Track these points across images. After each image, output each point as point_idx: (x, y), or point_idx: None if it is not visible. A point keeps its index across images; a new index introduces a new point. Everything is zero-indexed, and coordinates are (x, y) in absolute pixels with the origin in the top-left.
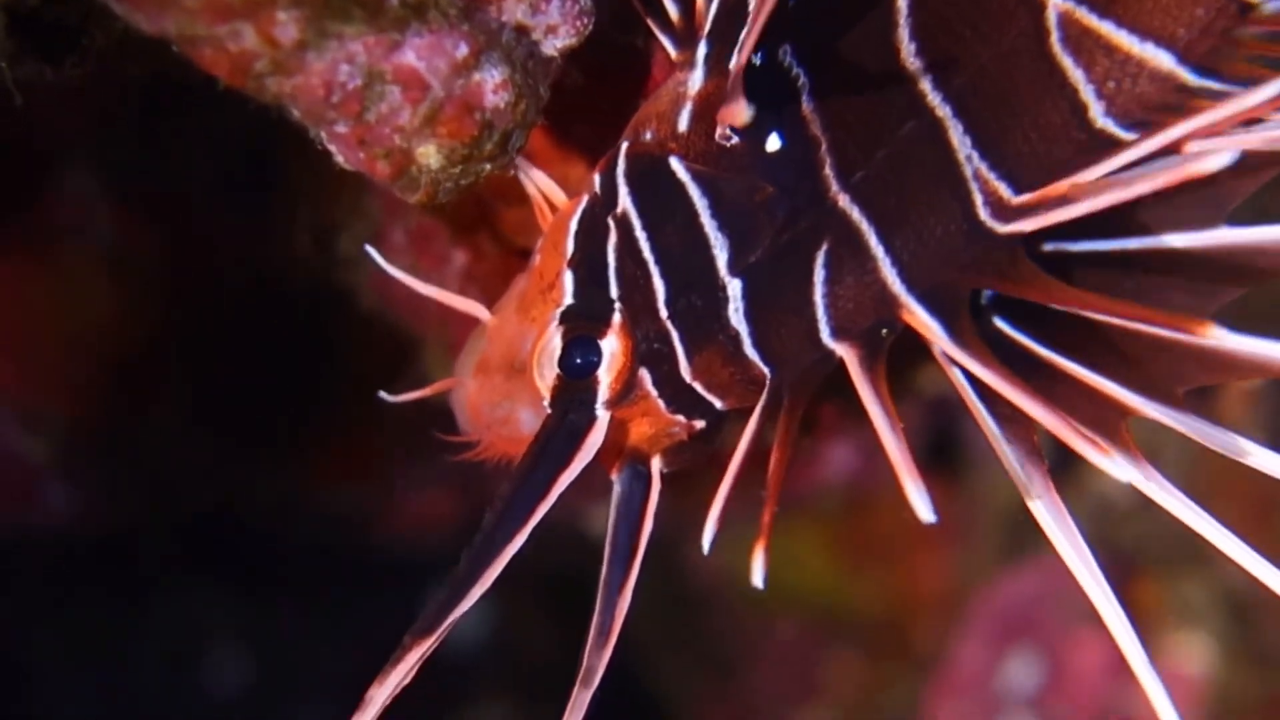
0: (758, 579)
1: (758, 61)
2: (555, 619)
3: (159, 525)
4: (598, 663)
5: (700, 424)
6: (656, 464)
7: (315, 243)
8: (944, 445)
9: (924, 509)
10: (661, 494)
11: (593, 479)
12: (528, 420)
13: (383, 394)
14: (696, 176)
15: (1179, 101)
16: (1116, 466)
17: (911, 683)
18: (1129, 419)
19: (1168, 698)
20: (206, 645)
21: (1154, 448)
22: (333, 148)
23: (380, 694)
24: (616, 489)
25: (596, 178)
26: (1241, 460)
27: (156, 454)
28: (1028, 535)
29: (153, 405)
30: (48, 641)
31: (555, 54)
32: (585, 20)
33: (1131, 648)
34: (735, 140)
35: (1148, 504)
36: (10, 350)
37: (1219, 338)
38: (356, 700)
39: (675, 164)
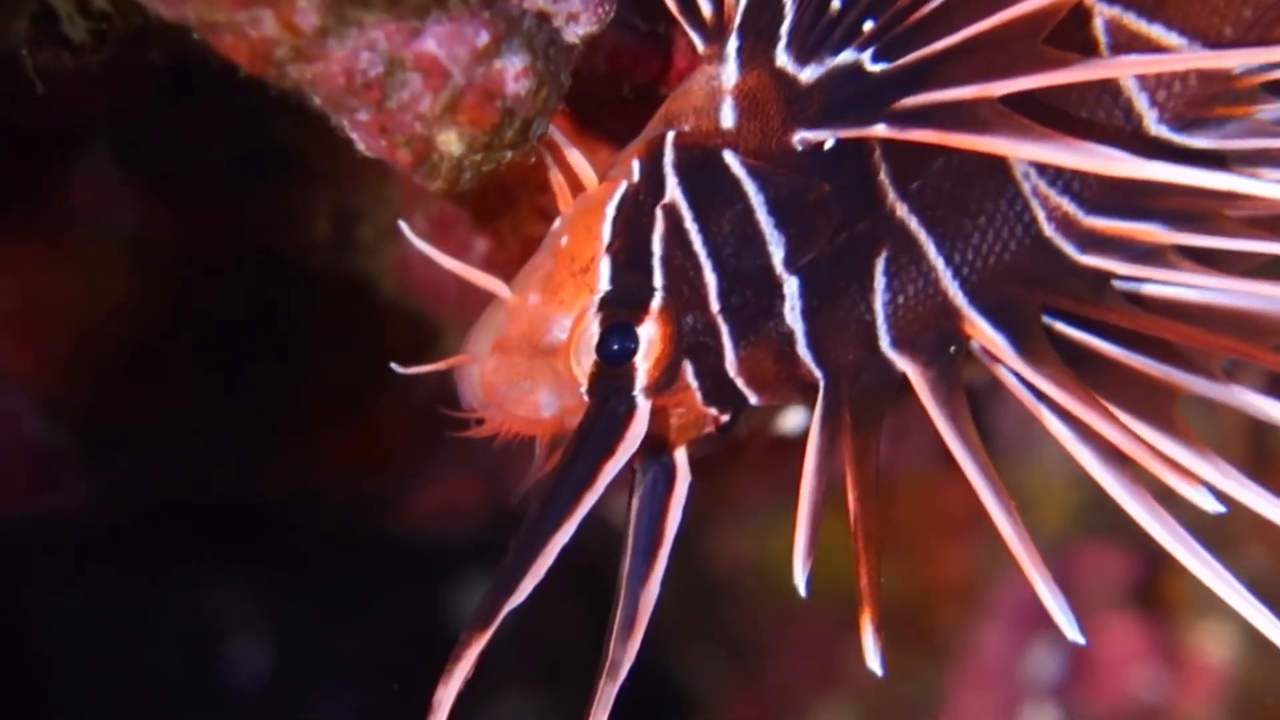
0: (873, 661)
1: (835, 62)
2: (576, 604)
3: (178, 512)
4: (623, 656)
5: (726, 418)
6: (683, 456)
7: (336, 229)
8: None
9: (1069, 626)
10: (691, 486)
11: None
12: (547, 402)
13: (394, 366)
14: (752, 171)
15: (1224, 89)
16: (1205, 500)
17: (934, 672)
18: (1178, 401)
19: None
20: (225, 632)
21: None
22: (354, 135)
23: (448, 695)
24: (639, 479)
25: (636, 164)
26: None
27: (175, 440)
28: (1050, 524)
29: (171, 391)
30: (66, 628)
31: (577, 41)
32: (607, 7)
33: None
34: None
35: (1168, 497)
36: (30, 336)
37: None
38: (377, 687)
39: (730, 157)
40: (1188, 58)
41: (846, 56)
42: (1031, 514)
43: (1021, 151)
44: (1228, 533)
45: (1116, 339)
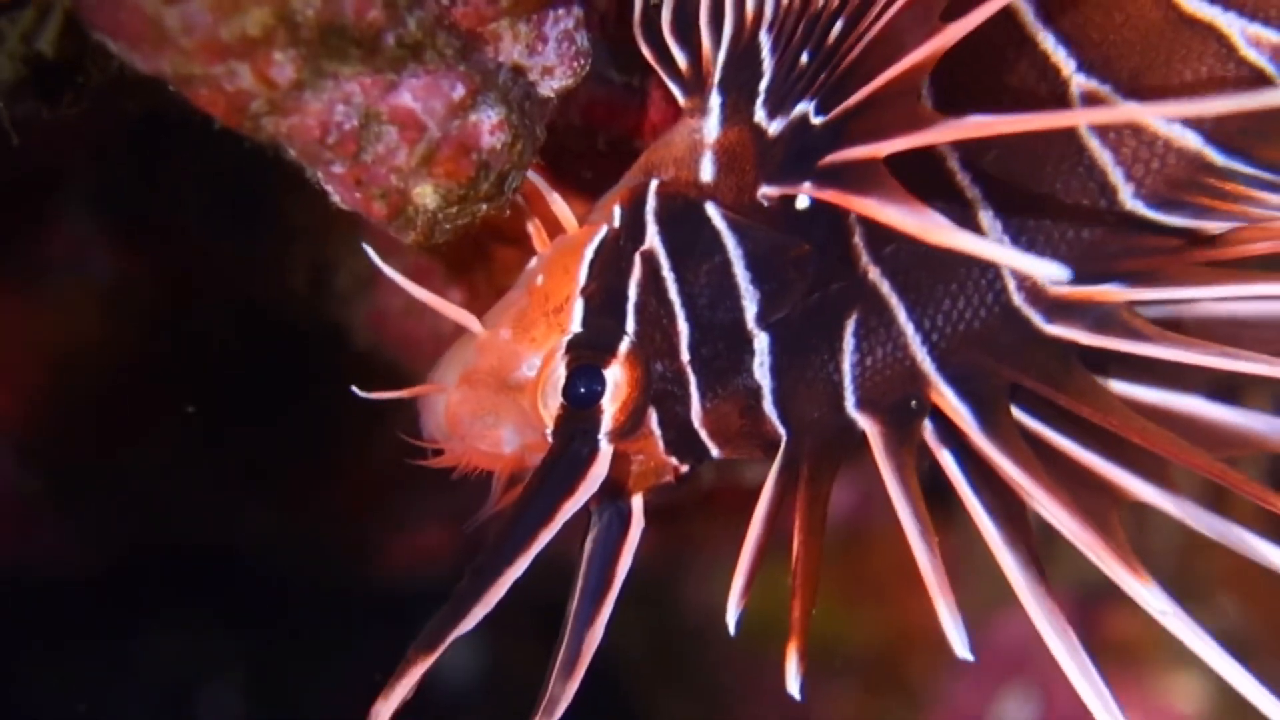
0: (793, 686)
1: (794, 113)
2: (550, 654)
3: (152, 561)
4: (561, 693)
5: (685, 468)
6: (639, 503)
7: (310, 279)
8: (937, 480)
9: (960, 645)
10: (643, 533)
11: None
12: (509, 438)
13: (356, 390)
14: (733, 225)
15: (1206, 181)
16: (1151, 597)
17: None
18: (1120, 505)
19: None
20: (199, 682)
21: (1144, 518)
22: (329, 187)
23: (385, 709)
24: (594, 522)
25: (617, 209)
26: (1232, 547)
27: (151, 489)
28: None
29: (147, 440)
30: (39, 678)
31: (552, 95)
32: (582, 61)
33: None
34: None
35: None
36: (5, 382)
37: (1206, 411)
38: None
39: (712, 210)
40: (1030, 119)
41: (801, 108)
42: (995, 570)
43: (882, 214)
44: (1196, 580)
45: (1069, 431)
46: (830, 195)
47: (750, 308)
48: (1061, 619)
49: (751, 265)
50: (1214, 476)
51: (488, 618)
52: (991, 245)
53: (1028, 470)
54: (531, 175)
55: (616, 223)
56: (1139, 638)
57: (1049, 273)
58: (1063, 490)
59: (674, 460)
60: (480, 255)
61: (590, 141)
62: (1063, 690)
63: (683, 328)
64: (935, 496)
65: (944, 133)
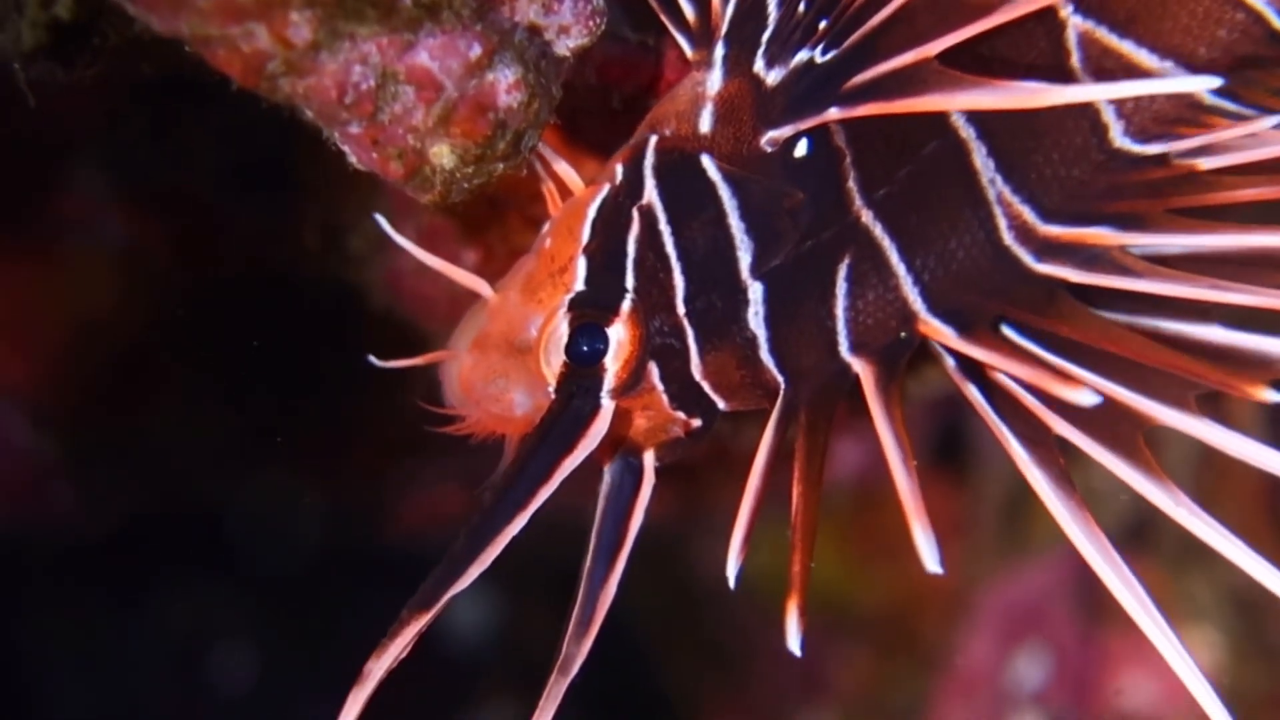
0: (793, 642)
1: (795, 62)
2: (561, 614)
3: (165, 522)
4: (576, 652)
5: (697, 422)
6: (650, 458)
7: (325, 240)
8: (949, 442)
9: (931, 560)
10: (654, 489)
11: (591, 472)
12: (521, 401)
13: (371, 358)
14: (728, 176)
15: (1193, 116)
16: (1182, 511)
17: (918, 679)
18: (1145, 429)
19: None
20: (212, 643)
21: (1159, 445)
22: (346, 148)
23: (378, 667)
24: (606, 479)
25: (619, 167)
26: (1258, 466)
27: (164, 451)
28: (1032, 532)
29: (161, 402)
30: (51, 639)
31: (568, 54)
32: (598, 20)
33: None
34: (771, 147)
35: (1139, 497)
36: (19, 346)
37: (1226, 338)
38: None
39: (707, 162)
40: None
41: (803, 55)
42: (1007, 521)
43: (955, 102)
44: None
45: (1086, 363)
46: (873, 108)
47: (744, 258)
48: (1098, 532)
49: (745, 216)
50: (1197, 376)
51: (492, 576)
52: (1112, 85)
53: (1014, 360)
54: (539, 144)
55: (618, 179)
56: (1154, 592)
57: (1200, 85)
58: (1058, 367)
59: (681, 414)
60: (495, 215)
61: (605, 100)
62: (1073, 648)
63: (678, 281)
64: (946, 460)
65: (1011, 10)
